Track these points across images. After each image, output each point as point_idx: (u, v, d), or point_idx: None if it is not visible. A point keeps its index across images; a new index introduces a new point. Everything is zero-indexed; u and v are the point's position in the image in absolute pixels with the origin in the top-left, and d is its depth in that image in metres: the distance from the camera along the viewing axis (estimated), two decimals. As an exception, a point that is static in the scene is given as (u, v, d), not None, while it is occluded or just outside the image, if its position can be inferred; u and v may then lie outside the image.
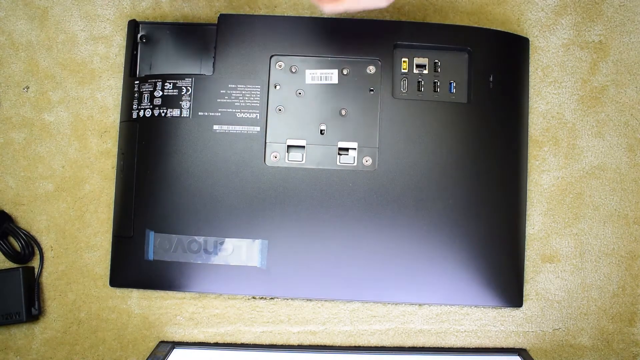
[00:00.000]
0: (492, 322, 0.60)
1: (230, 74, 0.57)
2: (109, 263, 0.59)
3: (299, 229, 0.56)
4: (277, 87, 0.57)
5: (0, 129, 0.62)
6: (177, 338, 0.60)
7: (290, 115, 0.57)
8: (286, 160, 0.57)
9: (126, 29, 0.61)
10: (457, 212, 0.56)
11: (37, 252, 0.61)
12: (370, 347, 0.60)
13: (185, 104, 0.57)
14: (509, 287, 0.58)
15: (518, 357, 0.58)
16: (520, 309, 0.60)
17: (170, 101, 0.57)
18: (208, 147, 0.57)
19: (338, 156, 0.57)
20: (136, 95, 0.58)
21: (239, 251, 0.56)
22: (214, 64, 0.58)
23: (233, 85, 0.57)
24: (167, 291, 0.60)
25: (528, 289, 0.60)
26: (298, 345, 0.60)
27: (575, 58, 0.62)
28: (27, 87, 0.62)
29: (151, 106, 0.58)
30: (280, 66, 0.58)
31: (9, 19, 0.63)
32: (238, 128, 0.57)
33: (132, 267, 0.57)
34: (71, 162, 0.62)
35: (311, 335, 0.60)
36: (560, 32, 0.62)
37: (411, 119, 0.57)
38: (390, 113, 0.57)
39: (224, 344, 0.60)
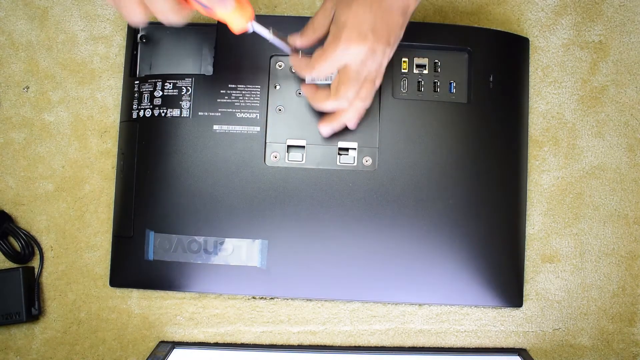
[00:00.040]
0: (492, 322, 0.60)
1: (230, 74, 0.57)
2: (109, 263, 0.59)
3: (299, 229, 0.56)
4: (277, 87, 0.57)
5: (0, 129, 0.62)
6: (177, 338, 0.60)
7: (290, 115, 0.57)
8: (286, 160, 0.57)
9: (126, 29, 0.61)
10: (457, 212, 0.56)
11: (37, 252, 0.61)
12: (370, 347, 0.60)
13: (185, 104, 0.57)
14: (509, 287, 0.58)
15: (518, 357, 0.58)
16: (520, 309, 0.60)
17: (170, 101, 0.57)
18: (208, 147, 0.57)
19: (338, 156, 0.57)
20: (136, 95, 0.58)
21: (239, 251, 0.56)
22: (214, 64, 0.58)
23: (233, 85, 0.57)
24: (167, 291, 0.60)
25: (528, 289, 0.60)
26: (298, 345, 0.60)
27: (575, 58, 0.62)
28: (27, 87, 0.62)
29: (151, 106, 0.58)
30: (280, 66, 0.58)
31: (9, 19, 0.63)
32: (238, 128, 0.57)
33: (132, 267, 0.57)
34: (71, 162, 0.62)
35: (311, 335, 0.60)
36: (560, 32, 0.62)
37: (411, 119, 0.57)
38: (390, 113, 0.57)
39: (224, 344, 0.60)
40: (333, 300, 0.60)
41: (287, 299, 0.60)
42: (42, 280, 0.61)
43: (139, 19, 0.41)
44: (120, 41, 0.63)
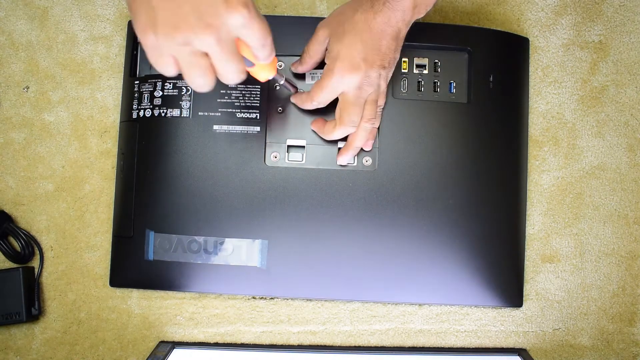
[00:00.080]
0: (492, 322, 0.60)
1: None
2: (109, 263, 0.59)
3: (299, 229, 0.56)
4: (277, 87, 0.57)
5: (0, 129, 0.62)
6: (177, 338, 0.60)
7: (290, 115, 0.57)
8: (286, 160, 0.57)
9: (126, 29, 0.61)
10: (457, 212, 0.56)
11: (37, 252, 0.61)
12: (370, 347, 0.60)
13: (185, 104, 0.57)
14: (509, 287, 0.58)
15: (518, 357, 0.58)
16: (520, 309, 0.60)
17: (170, 101, 0.57)
18: (208, 147, 0.57)
19: (338, 156, 0.57)
20: (136, 95, 0.58)
21: (239, 251, 0.56)
22: (214, 64, 0.58)
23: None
24: (167, 291, 0.60)
25: (528, 289, 0.60)
26: (298, 345, 0.60)
27: (575, 58, 0.62)
28: (27, 87, 0.62)
29: (151, 106, 0.58)
30: (280, 66, 0.58)
31: (9, 19, 0.63)
32: (238, 128, 0.57)
33: (132, 267, 0.57)
34: (71, 162, 0.62)
35: (311, 335, 0.60)
36: (560, 32, 0.62)
37: (411, 119, 0.57)
38: (390, 113, 0.57)
39: (224, 344, 0.60)
40: (333, 300, 0.60)
41: (287, 299, 0.60)
42: (42, 280, 0.61)
43: (209, 86, 0.41)
44: (120, 41, 0.63)
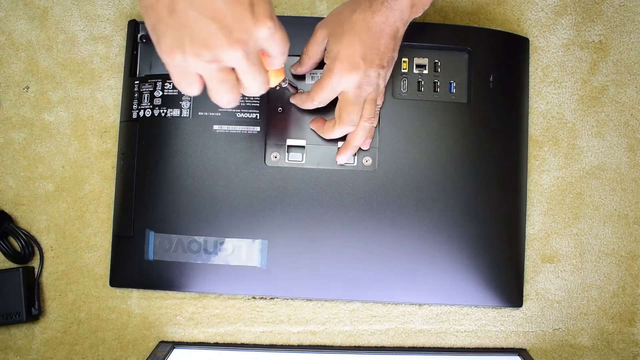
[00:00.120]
0: (492, 322, 0.60)
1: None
2: (109, 263, 0.59)
3: (299, 229, 0.56)
4: (278, 87, 0.57)
5: (0, 129, 0.62)
6: (177, 338, 0.60)
7: (290, 115, 0.57)
8: (286, 160, 0.57)
9: (126, 29, 0.61)
10: (457, 212, 0.56)
11: (37, 252, 0.61)
12: (370, 347, 0.60)
13: (185, 104, 0.57)
14: (509, 287, 0.58)
15: (518, 357, 0.58)
16: (520, 309, 0.60)
17: (170, 101, 0.57)
18: (208, 147, 0.57)
19: (338, 156, 0.57)
20: (136, 95, 0.58)
21: (239, 251, 0.56)
22: (214, 64, 0.58)
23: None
24: (167, 291, 0.60)
25: (528, 289, 0.60)
26: (298, 345, 0.60)
27: (575, 58, 0.62)
28: (27, 87, 0.62)
29: (151, 106, 0.58)
30: (280, 66, 0.58)
31: (9, 19, 0.63)
32: (238, 128, 0.57)
33: (132, 267, 0.57)
34: (71, 162, 0.62)
35: (311, 335, 0.60)
36: (560, 32, 0.62)
37: (411, 119, 0.57)
38: (390, 113, 0.57)
39: (224, 344, 0.60)
40: (333, 300, 0.60)
41: (287, 299, 0.60)
42: (42, 280, 0.61)
43: (236, 101, 0.41)
44: (120, 41, 0.63)
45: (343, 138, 0.55)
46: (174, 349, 0.58)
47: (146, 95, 0.58)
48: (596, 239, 0.61)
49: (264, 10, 0.37)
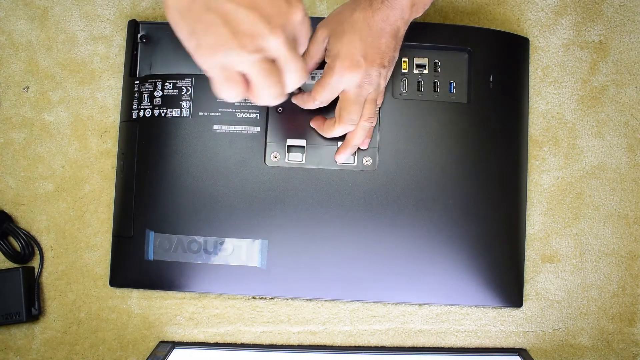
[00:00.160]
0: (492, 322, 0.60)
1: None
2: (109, 263, 0.59)
3: (299, 229, 0.56)
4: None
5: (0, 129, 0.62)
6: (177, 338, 0.60)
7: (290, 115, 0.57)
8: (286, 160, 0.57)
9: (126, 29, 0.61)
10: (457, 212, 0.56)
11: (37, 252, 0.61)
12: (370, 347, 0.60)
13: (185, 104, 0.57)
14: (509, 287, 0.58)
15: (518, 357, 0.58)
16: (520, 309, 0.60)
17: (170, 101, 0.57)
18: (208, 147, 0.57)
19: (338, 156, 0.57)
20: (136, 95, 0.58)
21: (239, 251, 0.56)
22: (214, 64, 0.58)
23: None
24: (167, 291, 0.60)
25: (528, 289, 0.60)
26: (298, 345, 0.60)
27: (575, 58, 0.62)
28: (27, 87, 0.62)
29: (151, 106, 0.58)
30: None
31: (9, 19, 0.63)
32: (238, 128, 0.57)
33: (132, 267, 0.57)
34: (71, 162, 0.62)
35: (311, 335, 0.60)
36: (560, 32, 0.62)
37: (411, 119, 0.57)
38: (390, 113, 0.57)
39: (224, 344, 0.60)
40: (333, 300, 0.60)
41: (287, 299, 0.60)
42: (42, 280, 0.61)
43: (282, 95, 0.42)
44: (120, 41, 0.63)
45: (342, 137, 0.55)
46: (174, 349, 0.58)
47: (146, 95, 0.58)
48: (596, 239, 0.61)
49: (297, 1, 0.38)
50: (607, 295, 0.60)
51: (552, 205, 0.61)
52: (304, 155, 0.57)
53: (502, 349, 0.60)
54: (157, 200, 0.57)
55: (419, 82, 0.58)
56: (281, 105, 0.57)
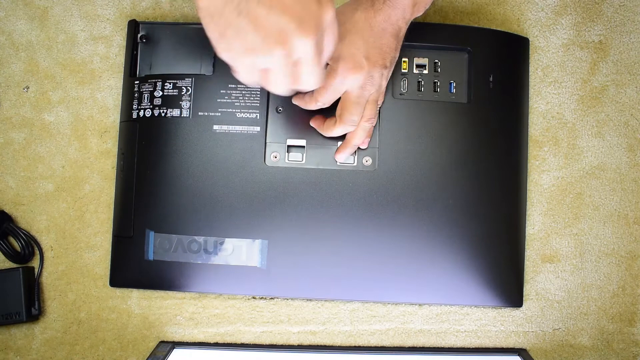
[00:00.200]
0: (492, 322, 0.60)
1: (230, 74, 0.57)
2: (109, 263, 0.59)
3: (299, 229, 0.56)
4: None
5: (0, 129, 0.62)
6: (177, 338, 0.60)
7: (290, 115, 0.57)
8: (286, 160, 0.57)
9: (126, 29, 0.61)
10: (457, 212, 0.56)
11: (37, 252, 0.61)
12: (370, 347, 0.60)
13: (185, 104, 0.57)
14: (509, 287, 0.58)
15: (518, 357, 0.58)
16: (520, 309, 0.60)
17: (170, 101, 0.57)
18: (208, 147, 0.57)
19: (338, 156, 0.57)
20: (136, 95, 0.58)
21: (239, 251, 0.56)
22: (214, 64, 0.58)
23: (233, 85, 0.57)
24: (167, 291, 0.60)
25: (528, 289, 0.60)
26: (298, 345, 0.60)
27: (575, 58, 0.62)
28: (27, 87, 0.62)
29: (151, 106, 0.58)
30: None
31: (9, 19, 0.63)
32: (238, 128, 0.57)
33: (132, 267, 0.57)
34: (71, 162, 0.62)
35: (311, 335, 0.60)
36: (560, 32, 0.62)
37: (411, 119, 0.57)
38: (390, 113, 0.57)
39: (224, 344, 0.60)
40: (333, 300, 0.60)
41: (287, 299, 0.60)
42: (42, 280, 0.61)
43: (288, 93, 0.43)
44: (120, 41, 0.63)
45: (342, 137, 0.55)
46: (174, 349, 0.58)
47: (146, 95, 0.58)
48: (596, 239, 0.61)
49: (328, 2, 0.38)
50: (607, 295, 0.60)
51: (552, 205, 0.61)
52: (304, 155, 0.57)
53: (502, 349, 0.60)
54: (157, 200, 0.57)
55: (419, 82, 0.58)
56: (281, 105, 0.57)
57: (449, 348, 0.60)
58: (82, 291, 0.60)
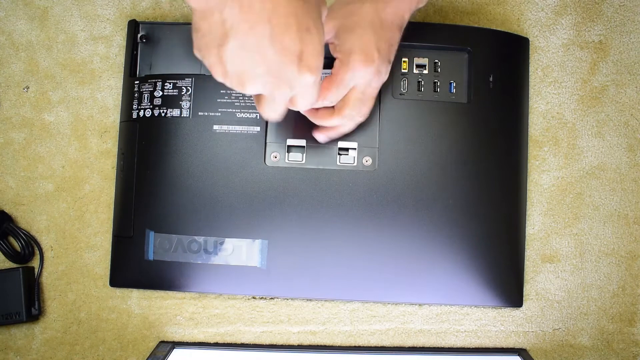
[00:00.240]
0: (492, 322, 0.60)
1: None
2: (109, 263, 0.59)
3: (299, 229, 0.56)
4: None
5: (0, 129, 0.62)
6: (177, 338, 0.60)
7: (290, 115, 0.57)
8: (286, 160, 0.57)
9: (126, 29, 0.61)
10: (457, 212, 0.56)
11: (37, 252, 0.61)
12: (370, 347, 0.60)
13: (185, 104, 0.57)
14: (509, 287, 0.58)
15: (518, 357, 0.58)
16: (520, 309, 0.60)
17: (170, 101, 0.57)
18: (208, 147, 0.57)
19: (338, 156, 0.57)
20: (136, 95, 0.58)
21: (239, 251, 0.56)
22: (214, 64, 0.58)
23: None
24: (167, 291, 0.60)
25: (528, 289, 0.60)
26: (298, 345, 0.60)
27: (575, 58, 0.62)
28: (27, 87, 0.62)
29: (151, 106, 0.58)
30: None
31: (9, 19, 0.63)
32: (238, 128, 0.57)
33: (132, 267, 0.57)
34: (71, 162, 0.62)
35: (311, 335, 0.60)
36: (560, 32, 0.62)
37: (411, 119, 0.57)
38: (390, 113, 0.57)
39: (224, 344, 0.60)
40: (333, 300, 0.60)
41: (287, 299, 0.60)
42: (42, 280, 0.61)
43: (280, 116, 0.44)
44: (120, 41, 0.63)
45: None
46: (174, 349, 0.58)
47: (146, 95, 0.58)
48: (596, 239, 0.61)
49: (310, 62, 0.38)
50: (607, 295, 0.60)
51: (552, 205, 0.61)
52: (304, 155, 0.57)
53: (502, 349, 0.60)
54: (157, 200, 0.57)
55: (419, 82, 0.58)
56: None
57: (449, 348, 0.60)
58: (82, 291, 0.60)
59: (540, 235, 0.61)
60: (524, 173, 0.60)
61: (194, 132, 0.57)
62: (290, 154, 0.57)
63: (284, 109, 0.42)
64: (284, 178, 0.56)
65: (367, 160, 0.57)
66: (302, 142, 0.57)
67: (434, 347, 0.60)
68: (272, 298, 0.60)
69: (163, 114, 0.57)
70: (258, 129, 0.57)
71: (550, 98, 0.62)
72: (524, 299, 0.59)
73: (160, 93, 0.58)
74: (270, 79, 0.38)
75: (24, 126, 0.62)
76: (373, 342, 0.60)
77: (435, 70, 0.58)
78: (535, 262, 0.60)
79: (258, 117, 0.57)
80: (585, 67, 0.62)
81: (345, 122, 0.52)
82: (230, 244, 0.56)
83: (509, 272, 0.58)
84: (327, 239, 0.56)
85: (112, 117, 0.62)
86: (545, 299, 0.60)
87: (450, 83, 0.58)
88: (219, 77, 0.39)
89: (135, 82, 0.58)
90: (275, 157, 0.57)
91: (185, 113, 0.57)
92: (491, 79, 0.58)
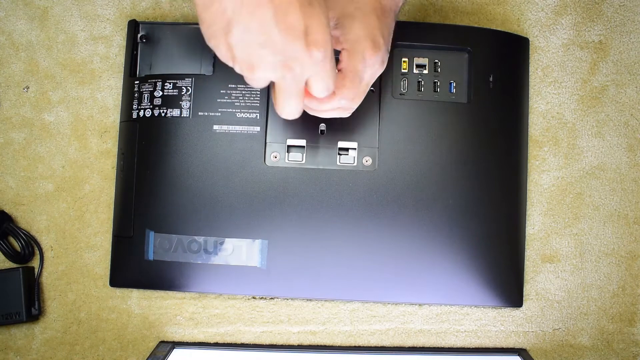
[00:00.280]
0: (492, 322, 0.60)
1: (230, 74, 0.57)
2: (109, 263, 0.59)
3: (299, 229, 0.56)
4: None
5: (0, 129, 0.62)
6: (177, 338, 0.60)
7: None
8: (286, 160, 0.57)
9: (126, 29, 0.61)
10: (457, 212, 0.56)
11: (37, 252, 0.61)
12: (370, 347, 0.60)
13: (185, 104, 0.57)
14: (509, 287, 0.58)
15: (518, 357, 0.58)
16: (520, 309, 0.60)
17: (170, 101, 0.57)
18: (208, 147, 0.57)
19: (338, 156, 0.57)
20: (136, 95, 0.58)
21: (239, 251, 0.56)
22: (213, 64, 0.58)
23: (233, 85, 0.57)
24: (167, 291, 0.60)
25: (528, 289, 0.60)
26: (298, 345, 0.60)
27: (575, 58, 0.62)
28: (27, 87, 0.62)
29: (151, 106, 0.58)
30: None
31: (9, 19, 0.63)
32: (238, 128, 0.57)
33: (132, 267, 0.57)
34: (71, 162, 0.62)
35: (311, 335, 0.60)
36: (560, 32, 0.62)
37: (411, 119, 0.57)
38: (390, 113, 0.57)
39: (224, 344, 0.60)
40: (333, 300, 0.60)
41: (287, 299, 0.60)
42: (42, 280, 0.61)
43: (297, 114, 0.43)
44: (120, 41, 0.63)
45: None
46: (174, 349, 0.58)
47: (146, 95, 0.58)
48: (596, 239, 0.61)
49: (316, 37, 0.37)
50: (607, 295, 0.60)
51: (552, 205, 0.61)
52: (304, 155, 0.57)
53: (502, 349, 0.60)
54: (157, 200, 0.57)
55: (419, 82, 0.58)
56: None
57: (449, 348, 0.60)
58: (82, 291, 0.60)
59: (540, 235, 0.61)
60: (524, 173, 0.60)
61: (194, 132, 0.57)
62: (290, 154, 0.57)
63: (300, 101, 0.41)
64: (284, 178, 0.56)
65: (367, 160, 0.57)
66: (302, 142, 0.57)
67: (434, 347, 0.60)
68: (272, 298, 0.60)
69: (163, 114, 0.57)
70: (258, 129, 0.57)
71: (550, 98, 0.62)
72: (524, 299, 0.59)
73: (160, 93, 0.58)
74: (279, 60, 0.37)
75: (24, 126, 0.62)
76: (373, 342, 0.60)
77: (435, 70, 0.58)
78: (535, 262, 0.60)
79: (258, 117, 0.57)
80: (585, 67, 0.62)
81: (342, 113, 0.48)
82: (230, 244, 0.56)
83: (509, 272, 0.58)
84: (327, 239, 0.56)
85: (112, 117, 0.62)
86: (545, 299, 0.60)
87: (450, 83, 0.58)
88: (229, 63, 0.39)
89: (135, 82, 0.58)
90: (275, 157, 0.57)
91: (185, 113, 0.57)
92: (491, 79, 0.58)
